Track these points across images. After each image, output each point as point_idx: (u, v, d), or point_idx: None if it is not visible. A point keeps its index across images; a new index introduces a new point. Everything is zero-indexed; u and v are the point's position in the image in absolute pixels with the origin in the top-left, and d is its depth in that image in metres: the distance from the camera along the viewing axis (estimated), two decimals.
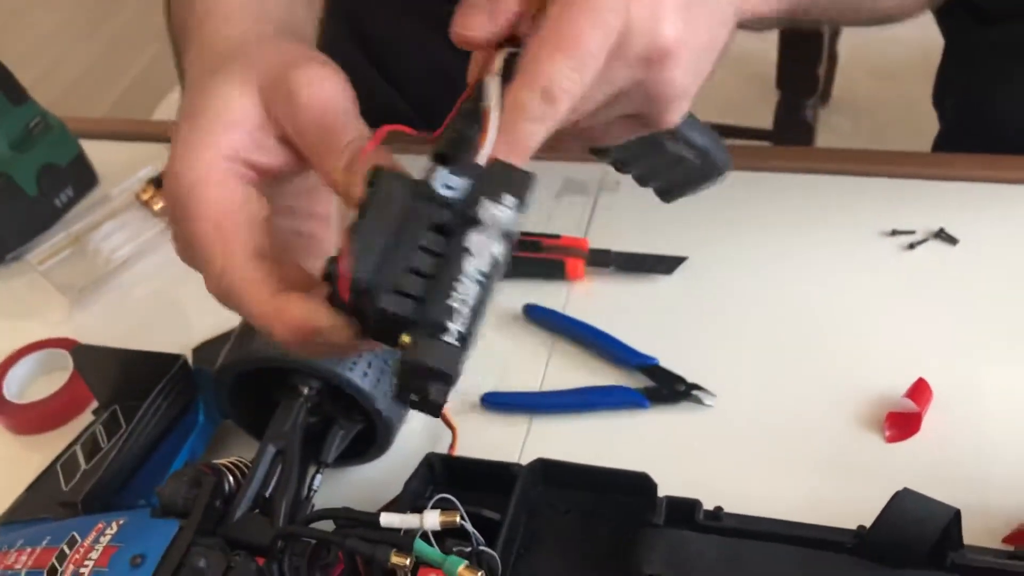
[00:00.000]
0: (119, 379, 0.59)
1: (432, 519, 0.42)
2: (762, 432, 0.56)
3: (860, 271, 0.65)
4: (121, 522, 0.47)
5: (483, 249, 0.32)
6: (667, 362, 0.60)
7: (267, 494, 0.49)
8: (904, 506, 0.42)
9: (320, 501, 0.51)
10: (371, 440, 0.55)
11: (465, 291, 0.32)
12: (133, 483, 0.54)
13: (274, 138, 0.40)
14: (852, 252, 0.66)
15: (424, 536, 0.43)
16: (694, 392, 0.58)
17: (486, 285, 0.32)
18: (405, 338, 0.31)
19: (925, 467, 0.53)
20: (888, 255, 0.65)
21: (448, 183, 0.33)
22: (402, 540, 0.41)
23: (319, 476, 0.52)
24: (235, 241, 0.38)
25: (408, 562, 0.40)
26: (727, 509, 0.48)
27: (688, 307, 0.64)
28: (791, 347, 0.61)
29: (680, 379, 0.59)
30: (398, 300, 0.32)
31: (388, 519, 0.43)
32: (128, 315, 0.71)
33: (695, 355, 0.60)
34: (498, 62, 0.34)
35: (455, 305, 0.31)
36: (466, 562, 0.39)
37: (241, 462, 0.51)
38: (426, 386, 0.32)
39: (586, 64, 0.34)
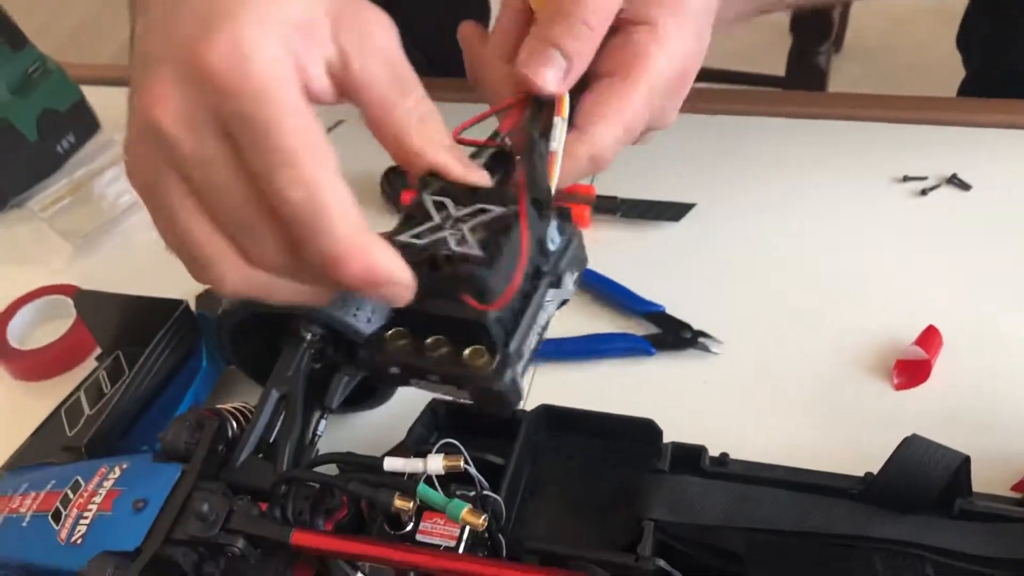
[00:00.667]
0: (121, 325, 0.59)
1: (436, 463, 0.42)
2: (769, 379, 0.56)
3: (871, 217, 0.64)
4: (124, 466, 0.47)
5: (551, 308, 0.35)
6: (673, 309, 0.59)
7: (271, 439, 0.48)
8: (912, 451, 0.41)
9: (324, 447, 0.51)
10: (375, 387, 0.55)
11: (535, 339, 0.34)
12: (137, 429, 0.54)
13: (323, 66, 0.34)
14: (863, 198, 0.65)
15: (428, 481, 0.43)
16: (700, 339, 0.58)
17: (541, 339, 0.35)
18: (479, 355, 0.32)
19: (934, 415, 0.52)
20: (900, 201, 0.64)
21: (553, 236, 0.35)
22: (406, 484, 0.40)
23: (323, 422, 0.51)
24: (327, 148, 0.31)
25: (411, 506, 0.40)
26: (733, 456, 0.47)
27: (696, 254, 0.64)
28: (799, 294, 0.60)
29: (686, 326, 0.58)
30: (500, 320, 0.32)
31: (392, 463, 0.42)
32: (131, 262, 0.71)
33: (702, 302, 0.59)
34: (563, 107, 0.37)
35: (526, 349, 0.33)
36: (469, 505, 0.39)
37: (245, 407, 0.51)
38: (488, 405, 0.34)
39: (633, 131, 0.39)
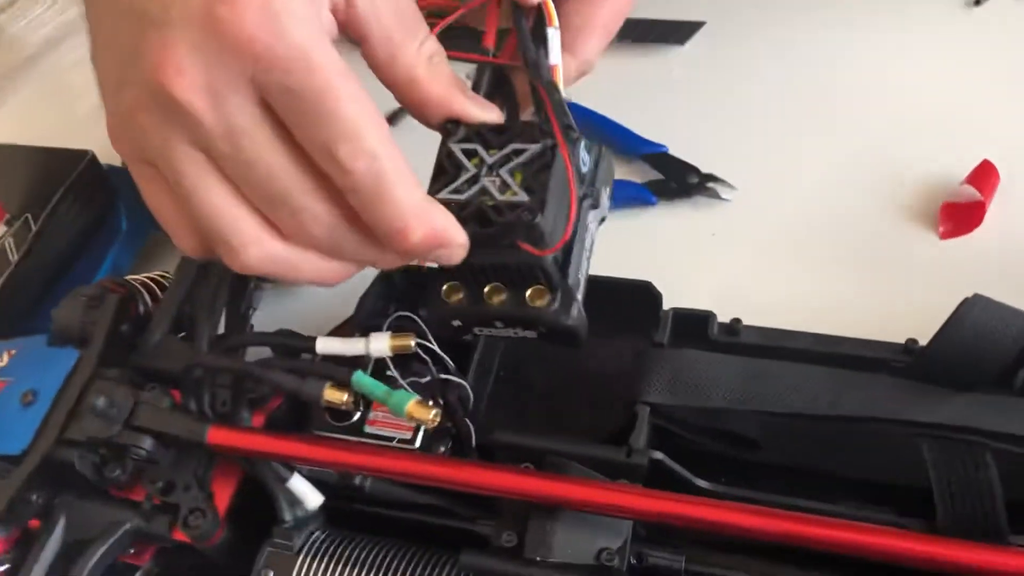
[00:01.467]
0: (27, 183, 0.50)
1: (380, 344, 0.34)
2: (790, 230, 0.48)
3: (912, 32, 0.54)
4: (13, 352, 0.39)
5: (593, 228, 0.34)
6: (678, 150, 0.51)
7: (191, 313, 0.40)
8: (976, 315, 0.33)
9: (260, 325, 0.43)
10: None
11: (586, 264, 0.33)
12: (46, 305, 0.46)
13: (329, 5, 0.30)
14: (902, 9, 0.55)
15: (382, 364, 0.35)
16: (709, 184, 0.50)
17: (590, 261, 0.34)
18: (540, 295, 0.32)
19: (987, 268, 0.45)
20: (947, 12, 0.54)
21: (584, 158, 0.34)
22: (339, 372, 0.32)
23: (259, 294, 0.43)
24: (378, 111, 0.29)
25: (346, 398, 0.32)
26: (747, 322, 0.40)
27: (704, 84, 0.55)
28: (825, 127, 0.51)
29: (693, 169, 0.50)
30: (555, 258, 0.32)
31: (325, 344, 0.35)
32: (45, 111, 0.62)
33: (711, 141, 0.51)
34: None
35: (581, 277, 0.33)
36: (416, 397, 0.31)
37: (162, 276, 0.43)
38: (558, 340, 0.33)
39: (613, 32, 0.37)
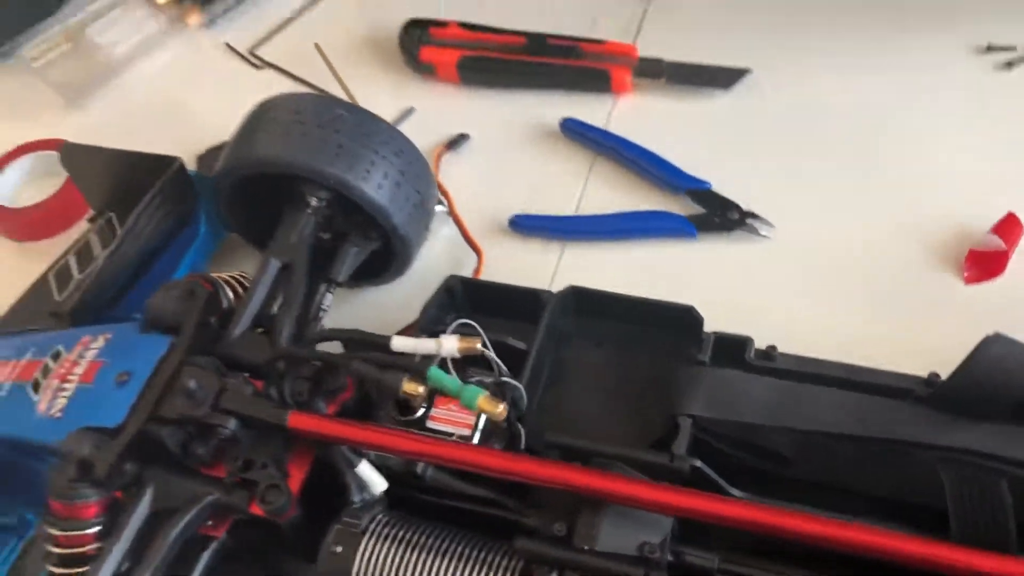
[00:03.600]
0: (113, 184, 0.54)
1: (450, 344, 0.37)
2: (823, 266, 0.51)
3: (947, 90, 0.57)
4: (108, 336, 0.43)
5: None
6: (720, 187, 0.54)
7: (270, 313, 0.44)
8: (995, 352, 0.36)
9: (331, 324, 0.46)
10: (388, 259, 0.50)
11: None
12: (129, 297, 0.50)
13: None
14: (939, 68, 0.58)
15: (442, 364, 0.38)
16: (749, 220, 0.52)
17: None
18: None
19: (1008, 312, 0.47)
20: (981, 73, 0.57)
21: None
22: (416, 366, 0.36)
23: (329, 296, 0.47)
24: None
25: (421, 390, 0.36)
26: (781, 349, 0.42)
27: (747, 126, 0.57)
28: (861, 173, 0.54)
29: (734, 205, 0.53)
30: None
31: (401, 343, 0.38)
32: (127, 119, 0.65)
33: (752, 180, 0.54)
34: None
35: None
36: (486, 392, 0.34)
37: (243, 276, 0.46)
38: None
39: None
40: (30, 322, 0.50)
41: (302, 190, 0.46)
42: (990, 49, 0.58)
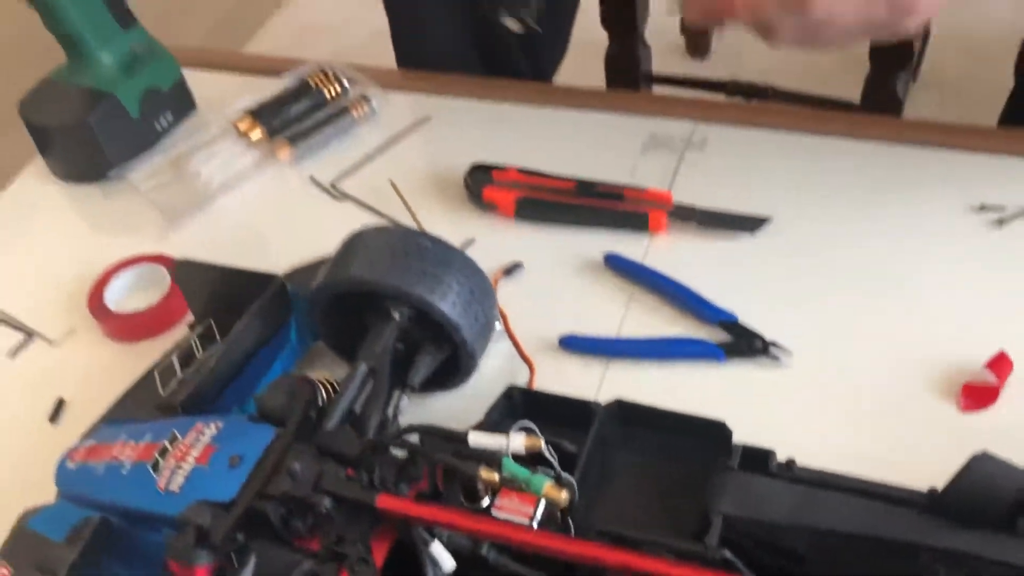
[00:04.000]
0: (215, 294, 0.62)
1: (518, 441, 0.44)
2: (837, 392, 0.57)
3: (946, 243, 0.65)
4: (219, 425, 0.50)
5: None
6: (745, 319, 0.61)
7: (356, 410, 0.51)
8: (982, 468, 0.42)
9: (403, 425, 0.53)
10: (454, 369, 0.57)
11: None
12: (226, 393, 0.57)
13: None
14: (939, 224, 0.66)
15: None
16: (771, 349, 0.59)
17: None
18: None
19: (999, 439, 0.52)
20: (975, 230, 0.65)
21: None
22: (491, 456, 0.42)
23: (404, 400, 0.54)
24: None
25: (496, 477, 0.42)
26: (800, 462, 0.48)
27: (769, 267, 0.65)
28: (870, 311, 0.61)
29: (758, 336, 0.60)
30: None
31: (476, 438, 0.45)
32: (220, 239, 0.74)
33: (773, 313, 0.61)
34: None
35: None
36: (552, 480, 0.41)
37: (329, 380, 0.54)
38: None
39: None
40: (136, 414, 0.57)
41: (387, 306, 0.54)
42: (983, 208, 0.66)
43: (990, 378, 0.55)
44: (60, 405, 0.63)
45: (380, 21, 0.95)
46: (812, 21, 0.50)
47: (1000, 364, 0.55)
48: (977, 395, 0.55)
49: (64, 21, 0.75)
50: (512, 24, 0.57)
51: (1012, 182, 0.67)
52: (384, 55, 0.97)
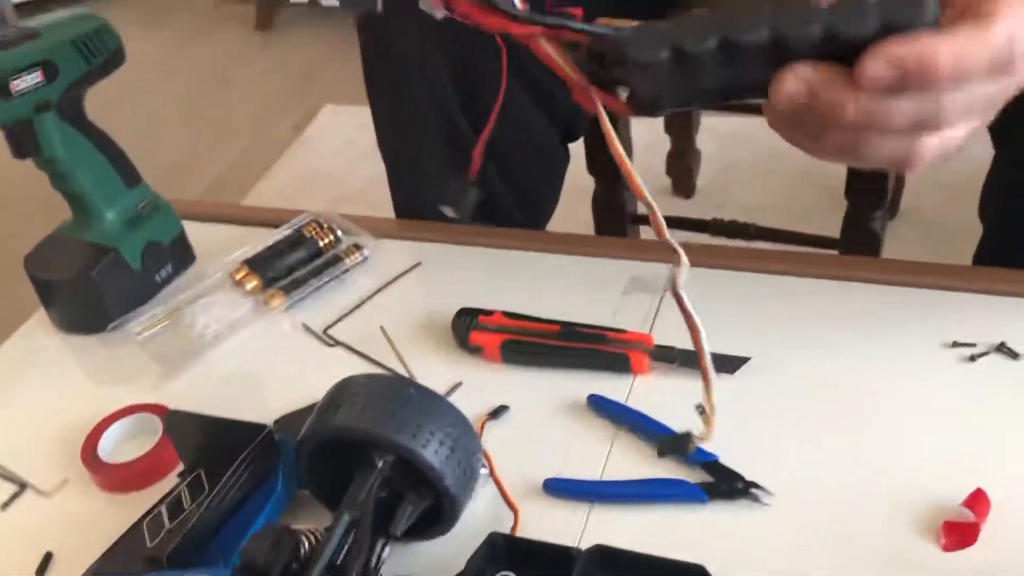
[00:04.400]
0: (206, 444, 0.63)
1: None
2: (818, 533, 0.57)
3: (921, 380, 0.66)
4: None
5: None
6: (727, 459, 0.62)
7: (338, 561, 0.51)
8: None
9: (389, 574, 0.53)
10: (437, 517, 0.57)
11: None
12: (213, 544, 0.58)
13: None
14: (914, 361, 0.68)
15: None
16: (752, 490, 0.60)
17: None
18: None
19: None
20: (949, 366, 0.67)
21: None
22: None
23: (387, 548, 0.54)
24: None
25: None
26: None
27: (749, 406, 0.66)
28: (850, 451, 0.62)
29: (739, 476, 0.60)
30: None
31: None
32: (214, 387, 0.76)
33: (754, 453, 0.62)
34: None
35: None
36: None
37: (313, 531, 0.54)
38: None
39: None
40: (124, 567, 0.57)
41: (371, 454, 0.55)
42: (956, 345, 0.68)
43: (969, 516, 0.55)
44: (48, 560, 0.63)
45: (377, 168, 0.99)
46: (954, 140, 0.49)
47: (978, 501, 0.56)
48: (958, 534, 0.55)
49: (73, 182, 0.79)
50: (449, 212, 0.61)
51: (983, 319, 0.69)
52: (382, 200, 1.01)
